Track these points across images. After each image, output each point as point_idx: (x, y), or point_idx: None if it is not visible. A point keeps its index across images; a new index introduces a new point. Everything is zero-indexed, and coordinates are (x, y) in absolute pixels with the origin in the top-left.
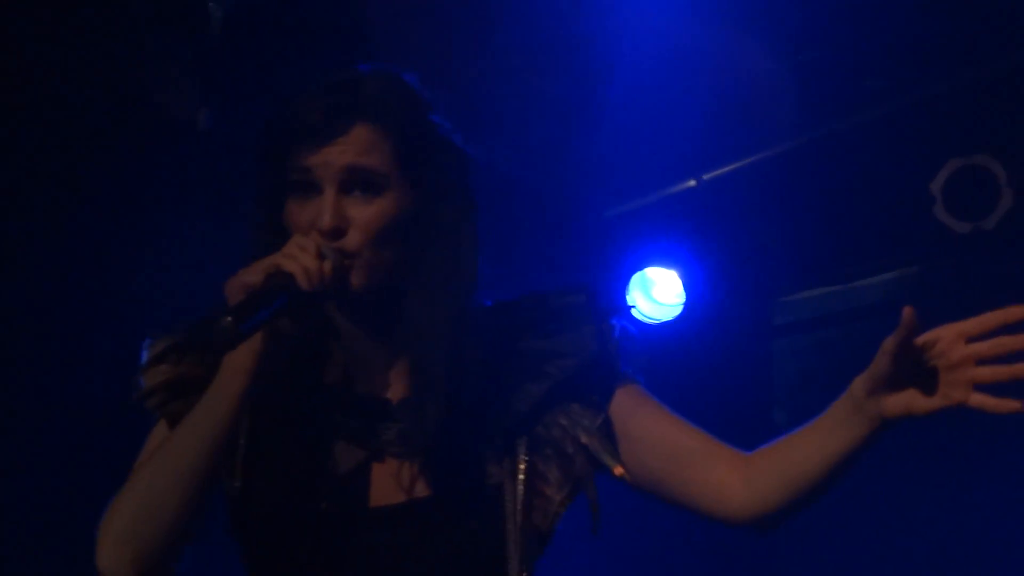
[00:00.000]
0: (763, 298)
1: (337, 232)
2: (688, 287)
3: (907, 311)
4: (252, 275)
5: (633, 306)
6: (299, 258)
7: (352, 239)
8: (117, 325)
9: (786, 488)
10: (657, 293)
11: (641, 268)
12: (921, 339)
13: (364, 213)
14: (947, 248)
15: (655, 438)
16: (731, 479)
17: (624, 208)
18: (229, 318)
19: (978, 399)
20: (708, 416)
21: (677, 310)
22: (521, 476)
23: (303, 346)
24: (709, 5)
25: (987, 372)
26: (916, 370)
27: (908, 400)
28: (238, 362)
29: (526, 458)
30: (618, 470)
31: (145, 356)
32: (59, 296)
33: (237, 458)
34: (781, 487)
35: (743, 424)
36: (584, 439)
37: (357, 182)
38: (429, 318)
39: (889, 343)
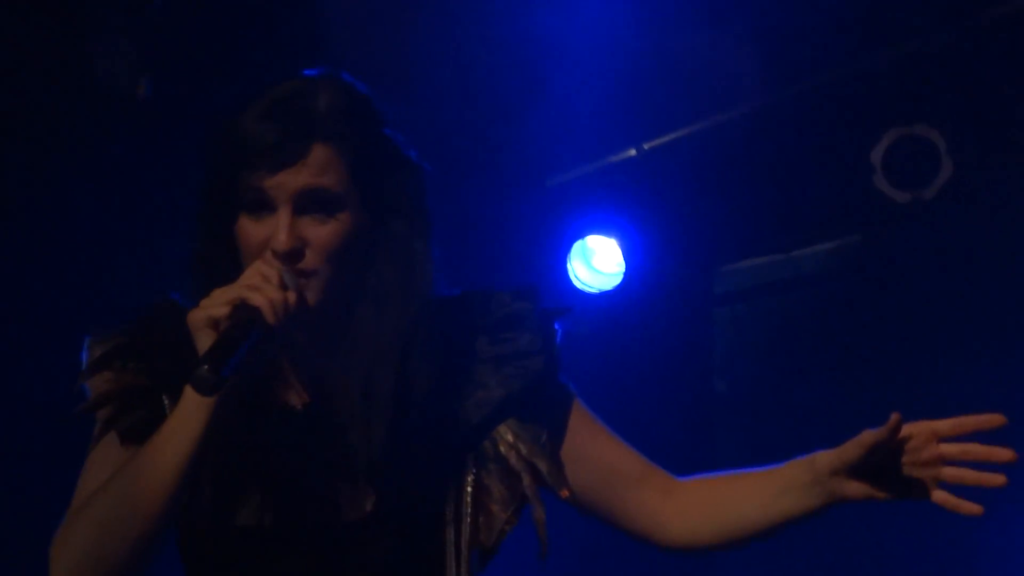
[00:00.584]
0: (703, 267)
1: (294, 254)
2: (628, 256)
3: (894, 417)
4: (216, 308)
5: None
6: (264, 290)
7: (309, 260)
8: (52, 306)
9: (718, 532)
10: (597, 262)
11: (582, 237)
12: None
13: (320, 233)
14: (886, 218)
15: (593, 458)
16: (665, 508)
17: (565, 177)
18: (206, 367)
19: (941, 496)
20: (649, 385)
21: (617, 279)
22: (469, 489)
23: (265, 367)
24: None
25: (954, 473)
26: (882, 459)
27: (871, 489)
28: (199, 399)
29: (473, 472)
30: (564, 493)
31: (86, 357)
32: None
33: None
34: (714, 529)
35: (683, 393)
36: (529, 456)
37: (312, 202)
38: (377, 334)
39: (868, 438)
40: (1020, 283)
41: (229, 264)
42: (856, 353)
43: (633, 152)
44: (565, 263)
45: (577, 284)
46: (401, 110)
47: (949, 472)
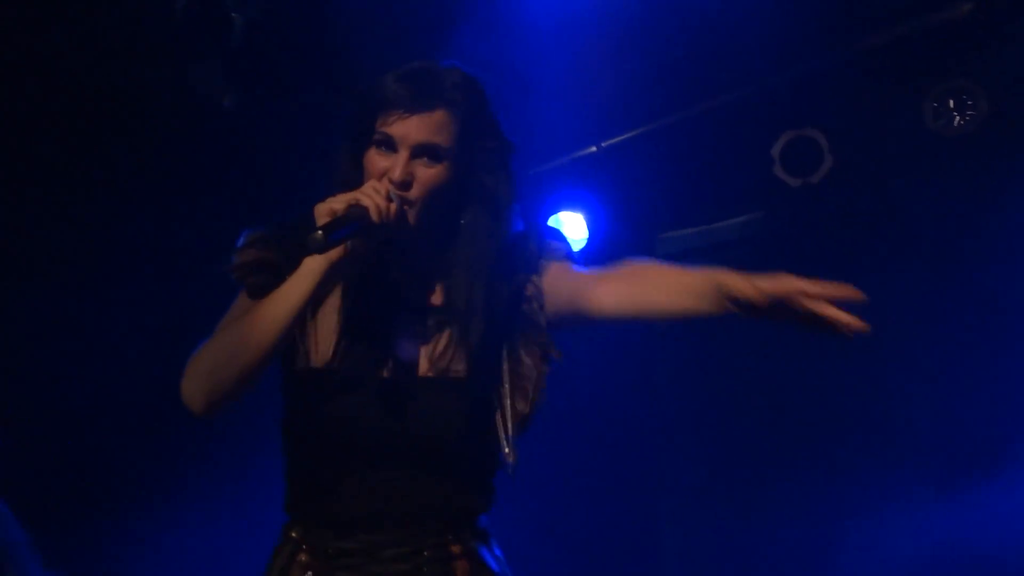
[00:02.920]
0: (647, 235)
1: (404, 184)
2: (591, 227)
3: (790, 283)
4: (337, 203)
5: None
6: (373, 197)
7: (414, 192)
8: (155, 290)
9: (636, 312)
10: (567, 232)
11: (555, 213)
12: (770, 288)
13: (426, 174)
14: (783, 198)
15: (572, 288)
16: (603, 291)
17: (542, 168)
18: (320, 232)
19: (831, 311)
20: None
21: (582, 244)
22: (505, 369)
23: (372, 256)
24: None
25: (819, 308)
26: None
27: (755, 311)
28: (314, 266)
29: (511, 355)
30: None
31: (241, 241)
32: (99, 260)
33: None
34: (633, 310)
35: (631, 329)
36: (536, 312)
37: (425, 151)
38: (472, 262)
39: (766, 295)
40: (884, 247)
41: (357, 185)
42: None
43: (594, 149)
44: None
45: None
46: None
47: (812, 303)
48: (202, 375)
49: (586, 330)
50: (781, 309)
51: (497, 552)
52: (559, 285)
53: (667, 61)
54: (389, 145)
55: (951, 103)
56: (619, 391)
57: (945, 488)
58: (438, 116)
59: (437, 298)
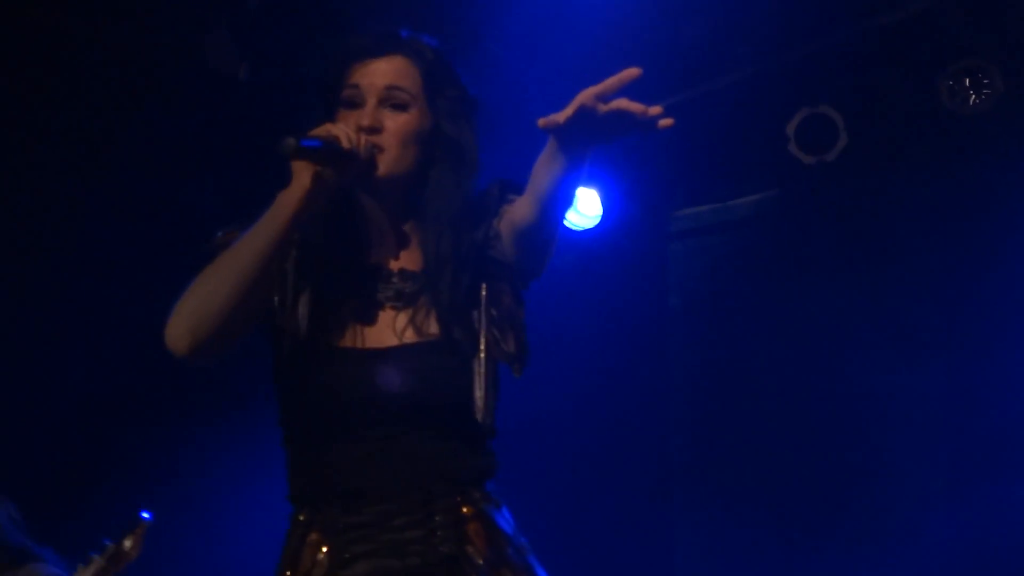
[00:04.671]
0: (662, 212)
1: (373, 130)
2: (605, 203)
3: (541, 124)
4: (311, 132)
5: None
6: (342, 128)
7: (384, 139)
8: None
9: (544, 202)
10: (582, 207)
11: None
12: (570, 109)
13: (395, 121)
14: (798, 175)
15: (510, 218)
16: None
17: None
18: (292, 139)
19: (623, 103)
20: (618, 299)
21: (597, 220)
22: (483, 324)
23: (338, 211)
24: None
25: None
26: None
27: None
28: (289, 195)
29: (488, 309)
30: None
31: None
32: (117, 224)
33: (286, 283)
34: (540, 201)
35: (646, 306)
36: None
37: (391, 99)
38: (439, 214)
39: (565, 116)
40: (898, 226)
41: None
42: (777, 276)
43: None
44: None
45: (567, 224)
46: None
47: (610, 105)
48: (184, 314)
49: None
50: (592, 123)
51: (507, 515)
52: (507, 220)
53: (682, 38)
54: (357, 100)
55: (966, 81)
56: (631, 386)
57: (970, 487)
58: (399, 62)
59: (408, 257)
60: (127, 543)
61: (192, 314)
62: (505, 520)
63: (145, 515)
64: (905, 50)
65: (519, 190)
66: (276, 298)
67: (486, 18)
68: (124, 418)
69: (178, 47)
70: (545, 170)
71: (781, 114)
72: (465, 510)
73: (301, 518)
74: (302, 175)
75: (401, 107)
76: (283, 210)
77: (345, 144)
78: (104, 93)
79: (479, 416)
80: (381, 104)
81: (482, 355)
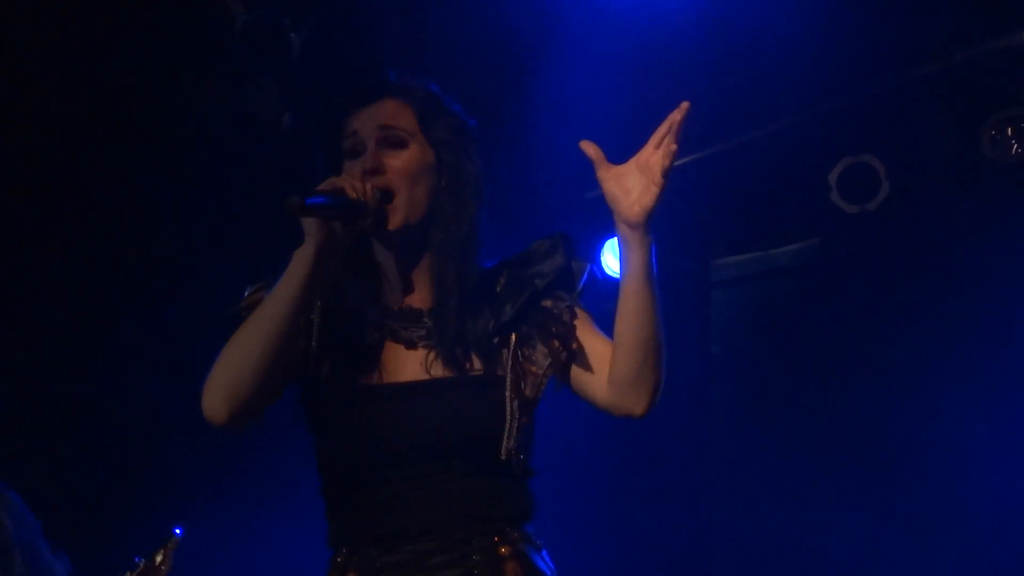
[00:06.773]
0: (703, 260)
1: (376, 171)
2: None
3: (583, 145)
4: (318, 188)
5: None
6: (347, 179)
7: (390, 178)
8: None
9: (627, 355)
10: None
11: (612, 237)
12: (630, 164)
13: (397, 159)
14: (840, 224)
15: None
16: (604, 377)
17: (598, 192)
18: (295, 197)
19: (663, 134)
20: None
21: None
22: (509, 363)
23: (352, 264)
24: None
25: (664, 153)
26: (636, 185)
27: (631, 201)
28: (303, 254)
29: (517, 349)
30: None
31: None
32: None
33: (312, 332)
34: (623, 359)
35: (687, 353)
36: (565, 312)
37: (389, 138)
38: (443, 239)
39: (598, 173)
40: (941, 275)
41: None
42: (818, 326)
43: None
44: (599, 256)
45: (608, 272)
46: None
47: (662, 154)
48: (217, 386)
49: None
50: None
51: (547, 558)
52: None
53: (724, 87)
54: (358, 148)
55: (1008, 131)
56: (673, 434)
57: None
58: (390, 103)
59: (420, 296)
60: (158, 558)
61: (225, 385)
62: (545, 563)
63: (177, 531)
64: (947, 100)
65: (575, 252)
66: (304, 350)
67: (520, 74)
68: (165, 434)
69: (221, 96)
70: (623, 293)
71: (823, 163)
72: (503, 550)
73: (339, 560)
74: (313, 232)
75: (400, 144)
76: (299, 269)
77: (351, 194)
78: (148, 141)
79: (503, 454)
80: (380, 145)
81: (508, 392)
